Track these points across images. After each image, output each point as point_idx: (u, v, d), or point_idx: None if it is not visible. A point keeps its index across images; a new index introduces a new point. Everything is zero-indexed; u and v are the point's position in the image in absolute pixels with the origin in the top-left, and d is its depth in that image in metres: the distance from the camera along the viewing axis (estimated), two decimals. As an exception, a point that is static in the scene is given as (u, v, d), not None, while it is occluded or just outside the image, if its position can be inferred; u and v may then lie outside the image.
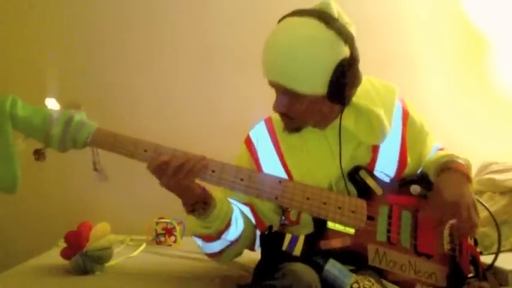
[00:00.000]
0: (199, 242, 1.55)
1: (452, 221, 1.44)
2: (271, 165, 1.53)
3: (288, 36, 1.35)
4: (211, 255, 1.57)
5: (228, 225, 1.49)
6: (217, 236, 1.49)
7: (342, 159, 1.46)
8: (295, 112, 1.41)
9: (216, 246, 1.53)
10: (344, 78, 1.35)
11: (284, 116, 1.44)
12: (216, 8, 2.38)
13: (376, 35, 2.25)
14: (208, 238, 1.51)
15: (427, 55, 2.38)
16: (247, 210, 1.56)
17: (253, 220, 1.56)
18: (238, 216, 1.52)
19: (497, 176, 2.06)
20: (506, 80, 2.35)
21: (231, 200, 1.55)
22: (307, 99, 1.38)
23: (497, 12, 2.29)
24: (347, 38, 1.35)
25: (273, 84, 1.41)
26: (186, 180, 1.36)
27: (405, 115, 1.54)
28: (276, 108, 1.43)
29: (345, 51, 1.35)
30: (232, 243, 1.52)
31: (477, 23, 2.32)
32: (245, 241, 1.56)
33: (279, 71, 1.36)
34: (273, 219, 1.56)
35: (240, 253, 1.61)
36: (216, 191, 1.48)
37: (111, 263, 1.84)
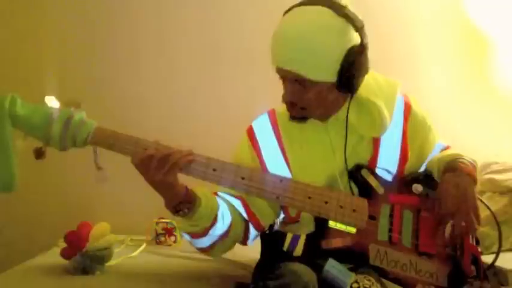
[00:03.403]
0: (187, 237, 1.53)
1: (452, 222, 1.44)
2: (272, 157, 1.52)
3: (298, 23, 1.35)
4: (202, 250, 1.56)
5: (214, 222, 1.46)
6: (204, 232, 1.47)
7: (342, 154, 1.46)
8: (304, 101, 1.41)
9: (204, 242, 1.51)
10: (354, 65, 1.35)
11: (292, 105, 1.43)
12: (223, 6, 2.38)
13: (379, 33, 2.23)
14: (196, 235, 1.49)
15: (429, 55, 2.38)
16: (238, 204, 1.54)
17: (244, 214, 1.54)
18: (225, 211, 1.50)
19: (497, 176, 2.06)
20: (507, 80, 2.35)
21: (221, 194, 1.54)
22: (316, 87, 1.38)
23: (499, 12, 2.29)
24: (357, 25, 1.35)
25: (282, 72, 1.40)
26: (170, 175, 1.35)
27: (407, 109, 1.53)
28: (286, 97, 1.42)
29: (355, 38, 1.35)
30: (220, 237, 1.50)
31: (480, 23, 2.32)
32: (234, 235, 1.53)
33: (289, 58, 1.36)
34: (267, 214, 1.55)
35: (230, 247, 1.59)
36: (201, 188, 1.46)
37: (111, 263, 1.83)
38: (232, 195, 1.53)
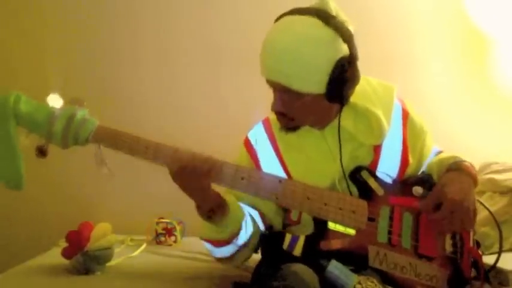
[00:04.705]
0: (209, 246, 1.53)
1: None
2: (270, 166, 1.52)
3: (286, 35, 1.34)
4: (221, 260, 1.56)
5: (239, 229, 1.47)
6: (230, 240, 1.48)
7: (342, 159, 1.45)
8: (294, 111, 1.40)
9: (227, 251, 1.51)
10: (343, 77, 1.34)
11: (281, 115, 1.43)
12: (224, 6, 2.38)
13: (378, 34, 2.25)
14: (219, 243, 1.49)
15: (428, 54, 2.38)
16: (255, 214, 1.54)
17: (261, 224, 1.54)
18: (248, 220, 1.51)
19: (497, 176, 2.06)
20: (507, 80, 2.35)
21: (241, 204, 1.53)
22: (305, 98, 1.37)
23: (499, 12, 2.28)
24: (346, 36, 1.33)
25: (271, 83, 1.39)
26: (204, 181, 1.35)
27: (405, 115, 1.53)
28: (275, 107, 1.41)
29: (344, 49, 1.34)
30: (241, 247, 1.51)
31: (479, 22, 2.31)
32: (254, 244, 1.53)
33: (277, 70, 1.35)
34: (276, 221, 1.55)
35: (249, 257, 1.58)
36: (226, 195, 1.47)
37: (112, 263, 1.84)
38: (250, 205, 1.54)
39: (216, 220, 1.42)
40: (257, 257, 1.56)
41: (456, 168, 1.44)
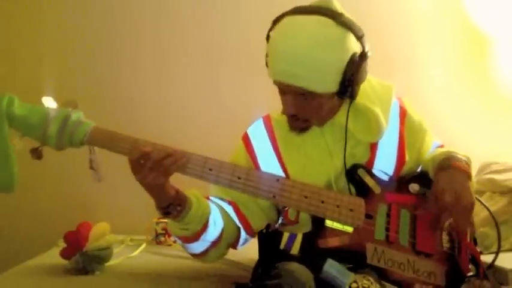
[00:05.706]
0: (180, 242, 1.53)
1: (450, 220, 1.43)
2: (268, 162, 1.52)
3: (298, 37, 1.30)
4: (195, 256, 1.55)
5: (205, 226, 1.46)
6: (195, 237, 1.47)
7: (339, 157, 1.46)
8: (307, 112, 1.40)
9: (197, 247, 1.51)
10: (356, 73, 1.34)
11: (294, 117, 1.42)
12: (223, 8, 2.38)
13: (378, 33, 2.24)
14: (187, 239, 1.49)
15: (428, 53, 2.37)
16: (230, 209, 1.54)
17: (235, 219, 1.54)
18: (217, 216, 1.50)
19: (497, 176, 2.05)
20: (507, 80, 2.34)
21: (213, 199, 1.54)
22: (319, 98, 1.36)
23: (499, 11, 2.28)
24: (357, 33, 1.33)
25: (282, 85, 1.37)
26: (161, 178, 1.35)
27: (403, 113, 1.53)
28: (288, 110, 1.40)
29: (356, 46, 1.34)
30: (213, 243, 1.50)
31: (479, 22, 2.31)
32: (227, 241, 1.53)
33: (292, 73, 1.32)
34: (259, 218, 1.55)
35: (224, 253, 1.59)
36: (194, 191, 1.47)
37: (111, 263, 1.85)
38: (223, 199, 1.54)
39: (174, 217, 1.42)
40: (256, 257, 1.56)
41: (446, 166, 1.42)
